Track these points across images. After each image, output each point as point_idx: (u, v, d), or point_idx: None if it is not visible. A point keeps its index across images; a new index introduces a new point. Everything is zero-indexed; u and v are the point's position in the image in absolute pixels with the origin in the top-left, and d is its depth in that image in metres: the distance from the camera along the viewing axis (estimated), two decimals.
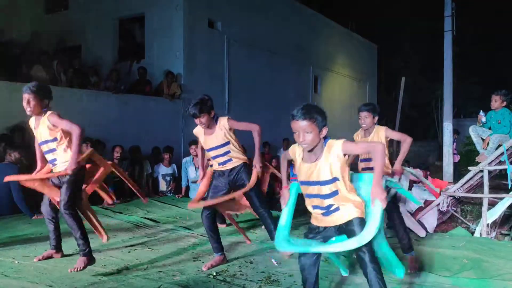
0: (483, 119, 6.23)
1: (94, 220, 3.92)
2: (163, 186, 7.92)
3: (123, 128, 8.35)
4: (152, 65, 10.09)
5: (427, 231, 5.68)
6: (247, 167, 4.01)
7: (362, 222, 2.61)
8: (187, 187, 7.70)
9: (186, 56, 10.08)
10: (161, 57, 10.24)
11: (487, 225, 5.72)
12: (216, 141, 3.97)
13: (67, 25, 11.39)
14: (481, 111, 6.33)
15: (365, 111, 4.21)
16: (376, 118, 4.23)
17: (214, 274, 3.67)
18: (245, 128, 4.01)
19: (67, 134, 3.69)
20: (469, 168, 6.31)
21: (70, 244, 4.09)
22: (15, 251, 4.17)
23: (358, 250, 2.55)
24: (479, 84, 20.20)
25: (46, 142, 3.70)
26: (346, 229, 2.64)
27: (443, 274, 3.71)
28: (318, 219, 2.75)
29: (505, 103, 6.02)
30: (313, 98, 15.37)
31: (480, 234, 5.71)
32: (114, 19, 11.19)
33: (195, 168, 7.57)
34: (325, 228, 2.72)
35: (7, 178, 3.95)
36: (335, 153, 2.60)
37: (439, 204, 6.40)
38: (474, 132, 6.36)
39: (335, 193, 2.65)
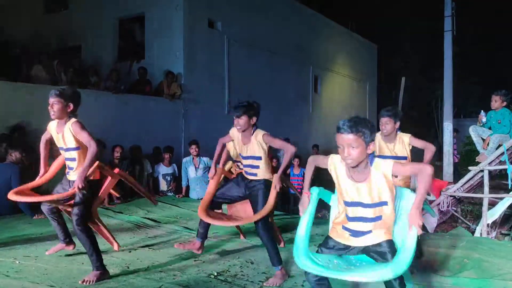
0: (484, 119, 6.23)
1: (104, 230, 3.87)
2: (163, 186, 7.93)
3: (123, 128, 8.35)
4: (152, 65, 10.09)
5: (427, 231, 5.69)
6: (267, 185, 3.85)
7: (391, 244, 2.49)
8: (187, 187, 7.72)
9: (186, 56, 10.08)
10: (161, 57, 10.24)
11: (488, 225, 5.73)
12: (252, 151, 3.84)
13: (67, 25, 11.39)
14: (481, 111, 6.33)
15: (386, 117, 3.99)
16: (398, 123, 4.00)
17: (215, 274, 3.67)
18: (280, 146, 3.85)
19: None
20: (469, 168, 6.32)
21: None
22: (16, 251, 4.17)
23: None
24: (479, 84, 20.20)
25: (68, 149, 3.60)
26: (373, 250, 2.51)
27: (443, 274, 3.72)
28: (343, 237, 2.58)
29: (505, 103, 6.03)
30: (313, 98, 15.37)
31: (481, 234, 5.72)
32: (114, 19, 11.19)
33: (195, 168, 7.58)
34: (347, 246, 2.57)
35: (13, 198, 3.60)
36: (384, 173, 2.45)
37: (439, 204, 6.41)
38: (474, 132, 6.37)
39: (378, 218, 2.50)
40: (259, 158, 3.82)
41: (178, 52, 10.07)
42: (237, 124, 3.77)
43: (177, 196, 7.60)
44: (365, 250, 2.54)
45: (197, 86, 10.23)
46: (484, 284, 3.45)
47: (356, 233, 2.54)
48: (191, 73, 10.19)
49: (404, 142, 4.03)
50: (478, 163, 6.18)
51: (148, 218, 5.77)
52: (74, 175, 3.58)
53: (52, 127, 3.68)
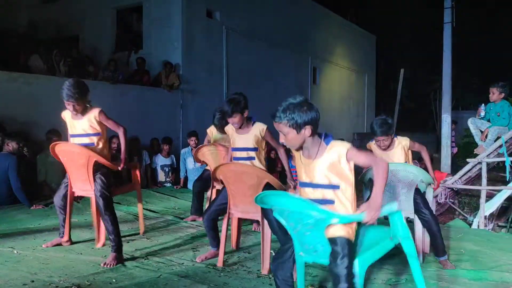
0: (482, 113, 6.19)
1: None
2: (161, 177, 7.92)
3: (121, 118, 8.16)
4: (150, 55, 10.04)
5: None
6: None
7: (348, 244, 2.28)
8: (186, 178, 7.71)
9: (184, 46, 10.02)
10: (159, 47, 10.18)
11: (485, 217, 5.75)
12: (245, 142, 3.80)
13: (64, 15, 11.31)
14: (482, 104, 6.30)
15: (382, 135, 3.68)
16: (393, 133, 3.78)
17: (214, 264, 3.68)
18: (274, 145, 3.89)
19: (105, 130, 3.93)
20: (468, 160, 6.32)
21: (73, 237, 4.10)
22: (14, 241, 4.17)
23: (335, 267, 2.24)
24: (478, 76, 20.17)
25: (88, 135, 3.82)
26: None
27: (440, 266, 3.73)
28: None
29: (503, 94, 6.00)
30: (311, 89, 15.34)
31: (478, 225, 5.74)
32: (112, 9, 11.11)
33: (194, 159, 7.56)
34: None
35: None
36: (339, 154, 2.34)
37: (437, 196, 6.42)
38: (473, 124, 6.35)
39: (329, 201, 2.36)
40: (255, 149, 3.80)
41: (176, 42, 10.01)
42: (233, 123, 3.77)
43: (175, 187, 7.59)
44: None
45: (196, 77, 10.19)
46: (481, 276, 3.47)
47: None
48: (189, 63, 10.14)
49: (404, 146, 3.83)
50: (476, 155, 6.18)
51: (146, 209, 5.76)
52: None
53: (67, 117, 3.94)
